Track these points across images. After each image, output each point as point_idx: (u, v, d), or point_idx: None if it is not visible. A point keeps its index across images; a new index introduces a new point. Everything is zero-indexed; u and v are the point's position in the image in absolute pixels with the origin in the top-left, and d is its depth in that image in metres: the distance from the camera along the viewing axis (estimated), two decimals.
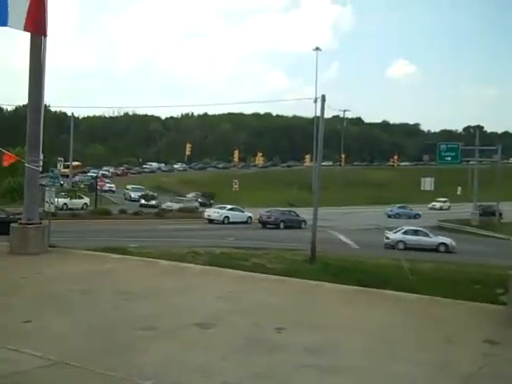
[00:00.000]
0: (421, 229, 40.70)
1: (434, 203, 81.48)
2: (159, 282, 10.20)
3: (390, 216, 68.27)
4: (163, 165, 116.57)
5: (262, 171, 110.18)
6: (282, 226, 46.92)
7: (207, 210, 52.59)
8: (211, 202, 65.16)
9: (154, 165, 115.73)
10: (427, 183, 76.78)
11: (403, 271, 21.40)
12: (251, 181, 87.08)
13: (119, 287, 9.39)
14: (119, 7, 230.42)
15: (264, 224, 47.68)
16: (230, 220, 49.16)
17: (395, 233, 39.00)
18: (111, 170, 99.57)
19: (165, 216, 50.03)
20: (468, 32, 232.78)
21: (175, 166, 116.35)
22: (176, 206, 56.23)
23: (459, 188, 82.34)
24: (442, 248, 37.30)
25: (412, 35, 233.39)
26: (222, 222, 48.78)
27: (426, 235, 38.81)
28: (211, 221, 49.44)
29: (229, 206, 51.78)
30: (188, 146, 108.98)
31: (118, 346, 6.32)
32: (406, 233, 38.61)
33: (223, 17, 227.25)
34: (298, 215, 49.42)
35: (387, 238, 38.23)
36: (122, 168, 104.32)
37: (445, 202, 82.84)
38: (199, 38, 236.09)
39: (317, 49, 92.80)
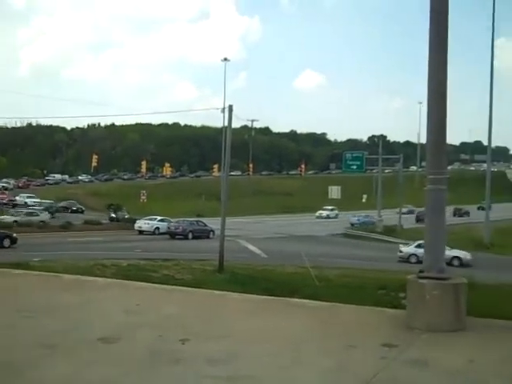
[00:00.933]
0: None
1: (320, 212, 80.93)
2: (62, 297, 9.87)
3: (353, 224, 68.31)
4: (67, 176, 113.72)
5: (171, 182, 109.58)
6: (190, 236, 46.84)
7: (138, 221, 52.17)
8: (118, 213, 64.08)
9: (58, 176, 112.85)
10: (334, 192, 78.82)
11: (311, 278, 21.73)
12: (159, 191, 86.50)
13: (18, 304, 9.03)
14: (24, 16, 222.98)
15: (172, 235, 47.43)
16: (161, 231, 48.96)
17: (408, 246, 38.00)
18: (12, 181, 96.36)
19: (72, 228, 48.89)
20: (374, 45, 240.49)
21: (80, 178, 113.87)
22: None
23: (365, 196, 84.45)
24: (455, 262, 34.72)
25: (319, 47, 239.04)
26: (153, 233, 48.71)
27: None
28: (141, 232, 49.23)
29: (159, 217, 51.80)
30: (94, 157, 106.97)
31: (15, 366, 6.06)
32: (419, 246, 35.90)
33: (132, 26, 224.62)
34: (206, 225, 49.47)
35: (400, 251, 37.31)
36: (23, 180, 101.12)
37: (332, 210, 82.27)
38: (107, 47, 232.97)
39: (225, 59, 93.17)
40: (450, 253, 34.67)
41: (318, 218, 78.08)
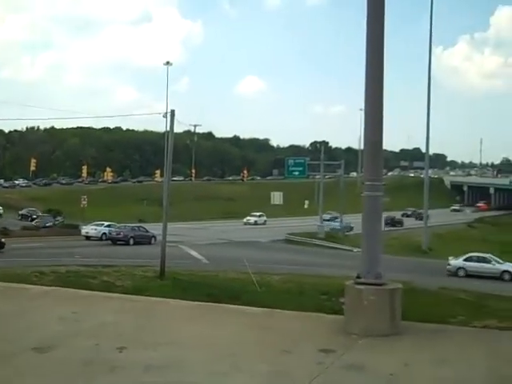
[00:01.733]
0: (486, 255, 37.18)
1: (248, 218, 78.37)
2: None
3: (332, 229, 67.19)
4: (3, 181, 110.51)
5: (112, 187, 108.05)
6: (131, 242, 46.29)
7: (84, 226, 51.29)
8: (58, 219, 62.81)
9: None
10: (276, 197, 79.02)
11: (252, 284, 21.74)
12: (100, 197, 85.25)
13: None
14: None
15: (113, 240, 46.86)
16: (108, 236, 48.26)
17: (457, 259, 36.68)
18: None
19: (12, 234, 47.64)
20: (316, 51, 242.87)
21: (17, 182, 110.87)
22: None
23: (307, 202, 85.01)
24: (506, 276, 33.93)
25: (261, 52, 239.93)
26: (100, 239, 47.96)
27: (489, 262, 35.81)
28: (88, 238, 48.46)
29: (106, 223, 51.01)
30: (33, 160, 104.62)
31: None
32: (468, 259, 35.78)
33: (72, 27, 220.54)
34: (147, 231, 49.01)
35: (449, 264, 35.83)
36: None
37: (260, 216, 79.63)
38: (45, 48, 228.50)
39: (167, 63, 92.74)
40: (500, 267, 34.99)
41: (245, 224, 75.73)
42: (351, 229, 62.23)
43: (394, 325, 8.15)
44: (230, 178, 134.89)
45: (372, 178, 8.57)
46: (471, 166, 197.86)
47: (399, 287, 8.48)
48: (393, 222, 72.72)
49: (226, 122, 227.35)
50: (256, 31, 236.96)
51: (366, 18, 8.66)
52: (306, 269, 32.63)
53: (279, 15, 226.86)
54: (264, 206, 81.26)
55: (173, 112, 30.65)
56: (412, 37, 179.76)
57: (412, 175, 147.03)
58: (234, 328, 8.35)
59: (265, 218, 79.41)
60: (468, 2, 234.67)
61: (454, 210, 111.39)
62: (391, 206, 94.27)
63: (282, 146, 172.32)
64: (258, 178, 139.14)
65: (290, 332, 8.25)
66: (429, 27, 60.00)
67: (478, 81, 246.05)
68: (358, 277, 8.45)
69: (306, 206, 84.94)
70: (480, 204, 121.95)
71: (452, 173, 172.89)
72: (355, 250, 39.19)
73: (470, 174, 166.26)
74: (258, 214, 79.60)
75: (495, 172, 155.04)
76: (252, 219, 77.81)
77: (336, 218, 72.48)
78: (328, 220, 72.62)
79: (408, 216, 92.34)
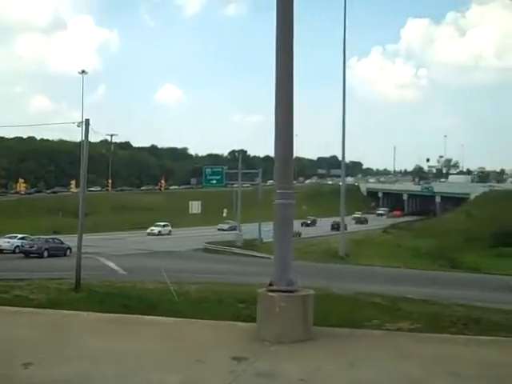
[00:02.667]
0: None
1: (152, 228, 76.01)
2: None
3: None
4: None
5: (25, 198, 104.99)
6: (45, 254, 44.98)
7: None
8: None
9: None
10: (195, 206, 78.72)
11: (170, 294, 21.57)
12: (13, 209, 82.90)
13: None
14: None
15: (27, 253, 45.48)
16: (21, 249, 46.60)
17: None
18: None
19: None
20: (234, 61, 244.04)
21: None
22: None
23: (225, 210, 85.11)
24: None
25: (180, 61, 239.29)
26: (13, 252, 46.27)
27: None
28: (1, 251, 46.68)
29: (19, 235, 49.19)
30: None
31: None
32: None
33: None
34: (62, 242, 47.84)
35: None
36: None
37: (164, 226, 77.45)
38: None
39: (83, 72, 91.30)
40: None
41: (148, 234, 73.09)
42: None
43: (306, 330, 8.26)
44: (147, 188, 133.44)
45: (283, 186, 8.69)
46: (386, 173, 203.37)
47: (311, 293, 8.60)
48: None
49: (143, 131, 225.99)
50: (174, 40, 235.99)
51: (275, 33, 8.79)
52: (225, 277, 32.63)
53: (198, 24, 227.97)
54: (182, 215, 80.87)
55: (87, 121, 29.98)
56: (329, 48, 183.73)
57: (330, 182, 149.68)
58: (147, 339, 8.26)
59: (169, 228, 77.63)
60: (380, 15, 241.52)
61: (379, 215, 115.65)
62: (305, 213, 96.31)
63: (200, 154, 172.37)
64: (177, 187, 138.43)
65: (204, 341, 8.24)
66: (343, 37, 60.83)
67: (391, 90, 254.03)
68: (271, 284, 8.53)
69: (224, 215, 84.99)
70: (394, 211, 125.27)
71: (372, 180, 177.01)
72: (273, 257, 39.32)
73: (381, 181, 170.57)
74: (162, 223, 77.60)
75: (417, 179, 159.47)
76: (156, 229, 75.54)
77: (235, 227, 73.31)
78: (225, 230, 73.12)
79: (308, 225, 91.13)
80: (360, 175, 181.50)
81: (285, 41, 8.75)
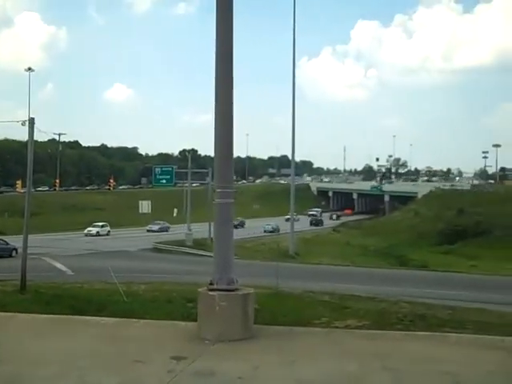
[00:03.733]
0: None
1: (89, 229, 72.95)
2: None
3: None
4: None
5: None
6: None
7: None
8: None
9: None
10: (145, 206, 77.85)
11: (119, 294, 21.36)
12: None
13: None
14: None
15: None
16: None
17: None
18: None
19: None
20: (184, 60, 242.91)
21: None
22: None
23: (175, 210, 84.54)
24: None
25: (130, 60, 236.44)
26: None
27: None
28: None
29: None
30: None
31: None
32: None
33: None
34: (7, 243, 46.86)
35: None
36: None
37: (102, 226, 74.84)
38: None
39: (29, 69, 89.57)
40: None
41: (86, 235, 69.82)
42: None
43: (246, 329, 8.31)
44: (93, 188, 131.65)
45: (223, 185, 8.69)
46: (336, 172, 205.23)
47: (251, 292, 8.65)
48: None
49: (93, 131, 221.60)
50: (124, 38, 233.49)
51: (215, 33, 8.81)
52: (174, 277, 32.44)
53: (147, 23, 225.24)
54: (133, 214, 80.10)
55: (32, 120, 29.47)
56: (282, 48, 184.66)
57: (284, 182, 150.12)
58: (88, 340, 8.20)
59: (108, 228, 75.48)
60: (330, 16, 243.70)
61: (311, 216, 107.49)
62: (257, 212, 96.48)
63: (151, 154, 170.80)
64: (127, 186, 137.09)
65: (145, 341, 8.21)
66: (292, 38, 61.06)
67: (342, 90, 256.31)
68: (211, 283, 8.54)
69: (175, 215, 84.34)
70: (344, 210, 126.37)
71: (325, 179, 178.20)
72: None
73: (330, 181, 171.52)
74: (100, 224, 75.24)
75: (378, 178, 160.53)
76: (94, 230, 72.85)
77: (166, 227, 73.03)
78: (155, 231, 72.72)
79: (236, 227, 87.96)
80: (306, 174, 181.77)
81: (224, 42, 8.78)
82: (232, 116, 8.80)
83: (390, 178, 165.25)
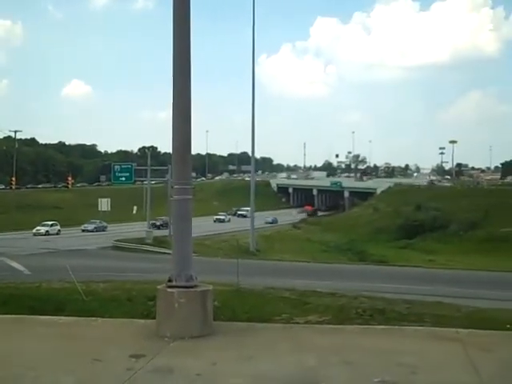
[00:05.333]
0: None
1: (38, 228, 70.83)
2: None
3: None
4: None
5: None
6: None
7: None
8: None
9: None
10: (104, 204, 77.29)
11: (78, 294, 21.14)
12: None
13: None
14: None
15: None
16: None
17: None
18: None
19: None
20: (141, 56, 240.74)
21: None
22: None
23: (135, 207, 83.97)
24: None
25: (87, 56, 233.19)
26: None
27: None
28: None
29: None
30: None
31: None
32: None
33: None
34: None
35: None
36: None
37: (52, 225, 72.58)
38: None
39: None
40: None
41: (35, 235, 67.38)
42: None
43: (206, 326, 8.31)
44: (54, 186, 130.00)
45: (181, 182, 8.67)
46: (296, 168, 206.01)
47: (210, 289, 8.65)
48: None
49: (50, 128, 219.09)
50: (82, 33, 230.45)
51: (172, 31, 8.78)
52: (134, 275, 32.25)
53: (106, 18, 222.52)
54: (92, 213, 79.33)
55: None
56: (239, 45, 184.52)
57: (248, 178, 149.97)
58: (45, 340, 8.10)
59: (58, 227, 73.29)
60: (290, 12, 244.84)
61: (218, 220, 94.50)
62: (216, 209, 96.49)
63: (110, 151, 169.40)
64: (86, 184, 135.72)
65: (104, 340, 8.16)
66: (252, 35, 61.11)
67: (301, 87, 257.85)
68: (170, 280, 8.52)
69: (134, 212, 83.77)
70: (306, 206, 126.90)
71: (283, 175, 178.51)
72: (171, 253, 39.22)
73: (294, 177, 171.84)
74: (49, 223, 73.18)
75: (359, 175, 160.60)
76: (42, 229, 70.62)
77: (103, 227, 72.57)
78: (90, 230, 71.99)
79: (158, 227, 72.79)
80: (262, 171, 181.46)
81: (181, 38, 8.74)
82: (190, 112, 8.78)
83: (371, 174, 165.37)
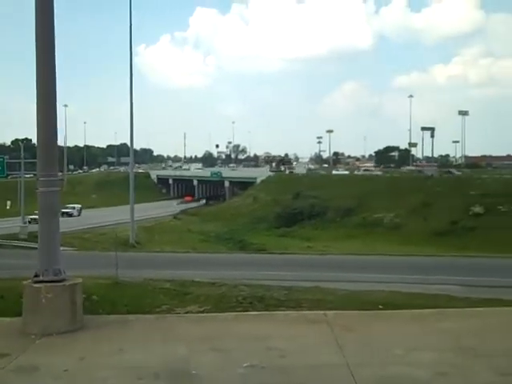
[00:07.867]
0: None
1: None
2: None
3: None
4: None
5: None
6: None
7: None
8: None
9: None
10: None
11: None
12: None
13: None
14: None
15: None
16: None
17: None
18: None
19: None
20: (8, 43, 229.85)
21: None
22: None
23: (9, 202, 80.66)
24: None
25: None
26: None
27: None
28: None
29: None
30: None
31: None
32: None
33: None
34: None
35: None
36: None
37: None
38: None
39: None
40: None
41: None
42: None
43: (75, 320, 8.11)
44: None
45: (46, 173, 8.40)
46: (177, 159, 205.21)
47: (79, 282, 8.43)
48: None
49: None
50: None
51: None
52: (7, 272, 31.08)
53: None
54: None
55: None
56: (117, 35, 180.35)
57: (121, 170, 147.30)
58: None
59: None
60: (169, 2, 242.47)
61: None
62: (95, 202, 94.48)
63: None
64: None
65: None
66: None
67: (181, 77, 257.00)
68: (37, 275, 8.25)
69: (8, 207, 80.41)
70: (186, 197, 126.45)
71: (164, 166, 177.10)
72: (62, 248, 38.08)
73: (179, 168, 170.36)
74: None
75: (274, 164, 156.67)
76: None
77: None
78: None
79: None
80: (143, 162, 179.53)
81: (44, 26, 8.45)
82: (55, 100, 8.48)
83: (290, 163, 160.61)
